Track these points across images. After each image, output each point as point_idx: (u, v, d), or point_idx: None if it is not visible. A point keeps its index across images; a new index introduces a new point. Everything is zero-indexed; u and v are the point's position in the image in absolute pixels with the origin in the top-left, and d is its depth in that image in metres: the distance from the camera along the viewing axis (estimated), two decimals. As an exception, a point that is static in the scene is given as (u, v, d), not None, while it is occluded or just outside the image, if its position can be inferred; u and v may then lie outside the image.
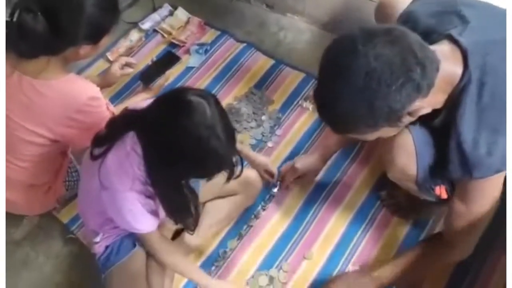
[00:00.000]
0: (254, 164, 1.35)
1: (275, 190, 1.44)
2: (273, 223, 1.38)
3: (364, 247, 1.30)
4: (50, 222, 1.44)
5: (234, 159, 0.99)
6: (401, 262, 1.11)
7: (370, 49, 0.73)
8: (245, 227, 1.38)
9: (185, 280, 1.28)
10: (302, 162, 1.34)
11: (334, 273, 1.27)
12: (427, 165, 0.97)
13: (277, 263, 1.30)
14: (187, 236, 1.28)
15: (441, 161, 0.92)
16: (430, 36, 0.90)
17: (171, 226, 1.26)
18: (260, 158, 1.37)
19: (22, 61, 1.06)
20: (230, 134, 0.91)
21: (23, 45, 1.02)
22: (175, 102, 0.90)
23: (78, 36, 1.06)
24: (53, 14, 1.00)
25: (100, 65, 1.80)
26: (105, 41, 1.14)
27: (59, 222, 1.44)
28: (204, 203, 1.32)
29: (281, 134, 1.58)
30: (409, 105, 0.78)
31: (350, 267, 1.27)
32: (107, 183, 0.97)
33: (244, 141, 1.57)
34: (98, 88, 1.15)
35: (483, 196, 0.93)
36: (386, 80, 0.73)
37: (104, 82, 1.51)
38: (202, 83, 1.74)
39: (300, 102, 1.65)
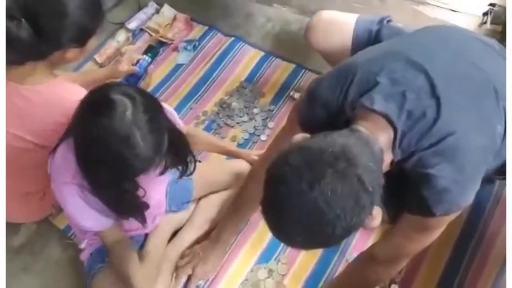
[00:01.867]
0: (248, 158, 1.35)
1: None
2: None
3: (360, 236, 1.30)
4: (48, 228, 1.44)
5: (188, 158, 0.98)
6: (339, 283, 1.11)
7: (319, 194, 0.66)
8: (242, 221, 1.38)
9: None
10: (201, 273, 1.25)
11: (332, 262, 1.27)
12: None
13: (275, 255, 1.30)
14: (182, 234, 1.28)
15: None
16: (343, 110, 0.86)
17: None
18: (246, 152, 1.38)
19: (8, 68, 1.05)
20: (156, 140, 0.86)
21: (9, 53, 1.01)
22: (97, 99, 0.87)
23: (63, 40, 1.05)
24: (36, 19, 0.99)
25: (89, 67, 1.79)
26: (91, 43, 1.13)
27: (56, 228, 1.44)
28: (198, 199, 1.32)
29: (273, 127, 1.57)
30: (361, 227, 0.74)
31: (348, 257, 1.27)
32: (53, 175, 0.97)
33: (237, 136, 1.57)
34: (85, 91, 1.14)
35: (442, 226, 0.89)
36: (340, 224, 0.68)
37: (110, 74, 1.49)
38: (192, 80, 1.73)
39: (291, 94, 1.64)
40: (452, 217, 0.86)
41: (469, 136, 0.80)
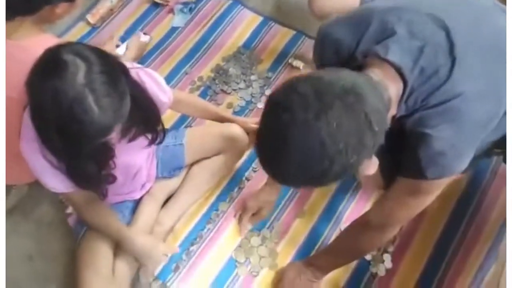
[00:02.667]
0: (244, 127, 1.31)
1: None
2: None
3: (355, 205, 1.30)
4: (39, 190, 1.41)
5: (158, 128, 0.95)
6: (332, 248, 1.11)
7: (324, 125, 0.63)
8: (236, 189, 1.36)
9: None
10: (254, 200, 1.27)
11: (326, 232, 1.27)
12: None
13: (269, 223, 1.30)
14: (175, 199, 1.27)
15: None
16: (355, 57, 0.83)
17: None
18: (244, 120, 1.34)
19: None
20: (113, 104, 0.79)
21: None
22: (47, 59, 0.80)
23: None
24: None
25: (81, 27, 1.72)
26: None
27: (48, 191, 1.41)
28: (191, 165, 1.30)
29: (270, 94, 1.54)
30: (357, 169, 0.71)
31: (341, 226, 1.27)
32: (22, 130, 0.93)
33: (233, 103, 1.53)
34: None
35: (435, 189, 0.86)
36: (339, 160, 0.65)
37: (139, 54, 1.57)
38: (187, 44, 1.68)
39: (290, 61, 1.60)
40: (443, 182, 0.84)
41: (474, 101, 0.77)
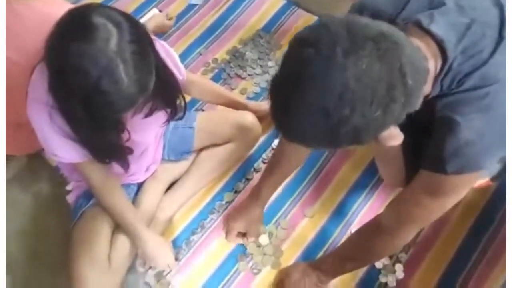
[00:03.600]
0: (257, 113, 1.24)
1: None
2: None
3: (368, 208, 1.22)
4: (39, 164, 1.37)
5: (177, 101, 0.88)
6: (340, 252, 1.03)
7: (352, 65, 0.55)
8: (243, 180, 1.29)
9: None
10: (238, 224, 1.16)
11: (335, 233, 1.20)
12: None
13: (275, 219, 1.23)
14: (179, 185, 1.21)
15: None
16: (396, 23, 0.74)
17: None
18: (258, 104, 1.28)
19: None
20: (142, 76, 0.74)
21: None
22: (76, 21, 0.73)
23: None
24: None
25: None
26: None
27: (48, 165, 1.36)
28: (200, 150, 1.23)
29: (288, 83, 1.46)
30: (379, 133, 0.62)
31: (352, 229, 1.19)
32: (29, 91, 0.86)
33: (247, 89, 1.45)
34: None
35: (455, 191, 0.79)
36: (362, 109, 0.56)
37: (156, 29, 1.54)
38: (204, 23, 1.60)
39: (311, 49, 1.51)
40: (464, 181, 0.75)
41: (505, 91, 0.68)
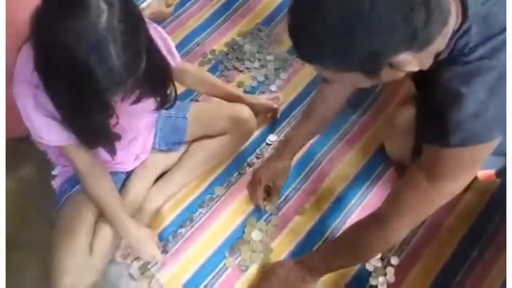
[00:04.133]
0: (250, 105, 1.21)
1: (273, 139, 1.31)
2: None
3: (361, 210, 1.19)
4: (27, 148, 1.31)
5: (168, 89, 0.87)
6: (328, 248, 1.02)
7: None
8: (235, 174, 1.26)
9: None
10: (265, 171, 1.15)
11: (327, 232, 1.17)
12: None
13: (266, 215, 1.20)
14: (169, 177, 1.18)
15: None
16: None
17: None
18: (254, 97, 1.26)
19: None
20: (131, 57, 0.71)
21: None
22: None
23: None
24: None
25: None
26: None
27: (36, 149, 1.31)
28: (191, 141, 1.20)
29: (286, 78, 1.43)
30: (393, 54, 0.61)
31: (347, 225, 1.16)
32: (15, 71, 0.83)
33: (244, 82, 1.42)
34: None
35: (455, 173, 0.75)
36: (378, 11, 0.56)
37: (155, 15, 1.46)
38: (204, 13, 1.56)
39: (311, 45, 1.48)
40: (465, 158, 0.72)
41: None
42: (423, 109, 0.77)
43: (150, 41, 0.81)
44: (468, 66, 0.68)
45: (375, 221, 0.87)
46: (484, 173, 0.95)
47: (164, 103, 0.96)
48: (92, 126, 0.85)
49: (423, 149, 0.78)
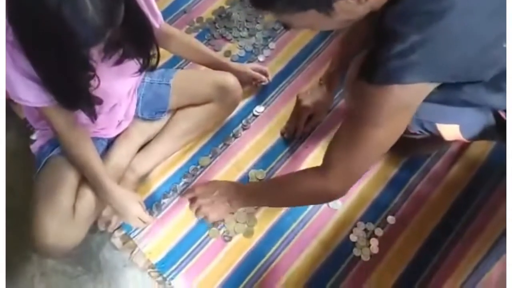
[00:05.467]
0: (237, 74, 1.18)
1: (260, 110, 1.28)
2: (252, 145, 1.24)
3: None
4: (8, 117, 1.28)
5: (150, 52, 0.85)
6: (267, 184, 1.06)
7: None
8: (220, 145, 1.24)
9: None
10: (311, 99, 1.17)
11: (310, 206, 1.15)
12: None
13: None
14: (152, 146, 1.15)
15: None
16: None
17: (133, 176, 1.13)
18: (241, 65, 1.24)
19: None
20: (108, 6, 0.68)
21: None
22: None
23: None
24: None
25: None
26: None
27: (17, 117, 1.28)
28: (175, 110, 1.17)
29: (274, 48, 1.39)
30: None
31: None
32: None
33: (231, 52, 1.38)
34: None
35: (380, 116, 0.75)
36: None
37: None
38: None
39: (301, 14, 1.44)
40: (386, 100, 0.72)
41: (459, 18, 0.65)
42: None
43: None
44: (412, 7, 0.67)
45: (314, 170, 0.90)
46: (452, 133, 0.93)
47: (146, 64, 0.92)
48: (72, 86, 0.81)
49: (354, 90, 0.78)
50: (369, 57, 0.73)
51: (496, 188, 1.13)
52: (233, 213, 1.12)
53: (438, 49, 0.67)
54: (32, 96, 0.84)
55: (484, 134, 0.90)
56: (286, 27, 0.76)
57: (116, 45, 0.81)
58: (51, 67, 0.75)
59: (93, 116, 0.91)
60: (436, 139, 0.98)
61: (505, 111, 0.83)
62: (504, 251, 0.97)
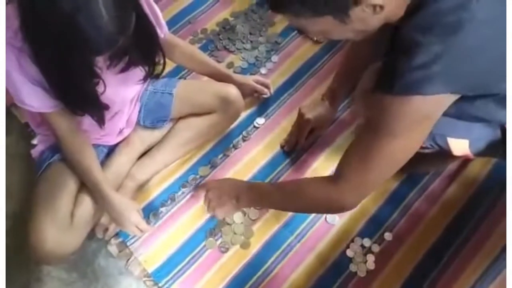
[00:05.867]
0: (239, 86, 1.19)
1: (261, 122, 1.29)
2: (252, 156, 1.25)
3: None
4: (8, 120, 1.29)
5: (156, 59, 0.87)
6: (282, 185, 1.04)
7: None
8: (220, 155, 1.24)
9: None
10: (314, 113, 1.18)
11: (311, 217, 1.15)
12: None
13: (249, 198, 1.18)
14: (153, 154, 1.16)
15: None
16: None
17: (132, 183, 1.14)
18: (244, 77, 1.24)
19: None
20: (121, 15, 0.68)
21: None
22: None
23: None
24: None
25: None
26: None
27: (18, 122, 1.29)
28: (177, 119, 1.18)
29: (277, 61, 1.40)
30: None
31: (328, 215, 1.14)
32: None
33: (234, 63, 1.40)
34: None
35: (398, 126, 0.74)
36: None
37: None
38: (196, -7, 1.53)
39: (304, 29, 1.46)
40: (407, 111, 0.72)
41: (479, 30, 0.66)
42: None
43: (137, 3, 0.78)
44: (430, 13, 0.68)
45: (327, 179, 0.88)
46: (461, 148, 0.93)
47: (152, 72, 0.93)
48: (79, 91, 0.82)
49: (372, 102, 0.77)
50: (387, 68, 0.73)
51: (494, 207, 1.13)
52: (230, 225, 1.13)
53: (459, 60, 0.67)
54: (37, 101, 0.85)
55: (489, 150, 0.90)
56: (300, 31, 0.77)
57: (122, 52, 0.82)
58: (59, 73, 0.76)
59: (101, 121, 0.92)
60: (440, 156, 0.99)
61: None
62: (502, 270, 0.98)
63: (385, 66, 0.75)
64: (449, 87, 0.70)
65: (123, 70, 0.85)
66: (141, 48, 0.85)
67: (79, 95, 0.84)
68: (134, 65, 0.87)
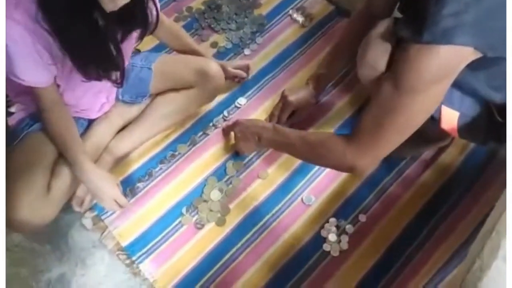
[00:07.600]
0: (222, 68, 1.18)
1: (242, 102, 1.29)
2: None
3: (323, 177, 1.18)
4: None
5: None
6: (299, 134, 1.02)
7: None
8: (200, 134, 1.24)
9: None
10: (296, 96, 1.18)
11: (288, 197, 1.16)
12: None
13: (227, 176, 1.18)
14: (131, 129, 1.14)
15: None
16: None
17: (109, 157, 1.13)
18: (223, 64, 1.24)
19: None
20: None
21: None
22: None
23: None
24: None
25: None
26: None
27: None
28: (156, 95, 1.16)
29: (261, 43, 1.40)
30: None
31: (304, 195, 1.16)
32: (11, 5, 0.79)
33: (218, 43, 1.39)
34: None
35: (421, 79, 0.74)
36: None
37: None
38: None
39: (290, 12, 1.45)
40: (432, 65, 0.72)
41: None
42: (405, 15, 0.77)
43: None
44: None
45: (347, 137, 0.88)
46: (451, 120, 0.93)
47: (144, 34, 0.96)
48: (104, 51, 0.86)
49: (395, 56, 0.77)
50: (415, 15, 0.72)
51: (467, 195, 1.15)
52: (207, 202, 1.13)
53: (487, 13, 0.69)
54: (32, 76, 0.86)
55: (473, 132, 0.91)
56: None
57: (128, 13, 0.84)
58: (79, 35, 0.80)
59: (121, 79, 0.94)
60: (417, 140, 0.99)
61: (500, 111, 0.85)
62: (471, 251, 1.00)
63: (412, 14, 0.74)
64: (476, 40, 0.70)
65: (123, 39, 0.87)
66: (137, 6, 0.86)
67: (105, 55, 0.86)
68: (132, 29, 0.90)
